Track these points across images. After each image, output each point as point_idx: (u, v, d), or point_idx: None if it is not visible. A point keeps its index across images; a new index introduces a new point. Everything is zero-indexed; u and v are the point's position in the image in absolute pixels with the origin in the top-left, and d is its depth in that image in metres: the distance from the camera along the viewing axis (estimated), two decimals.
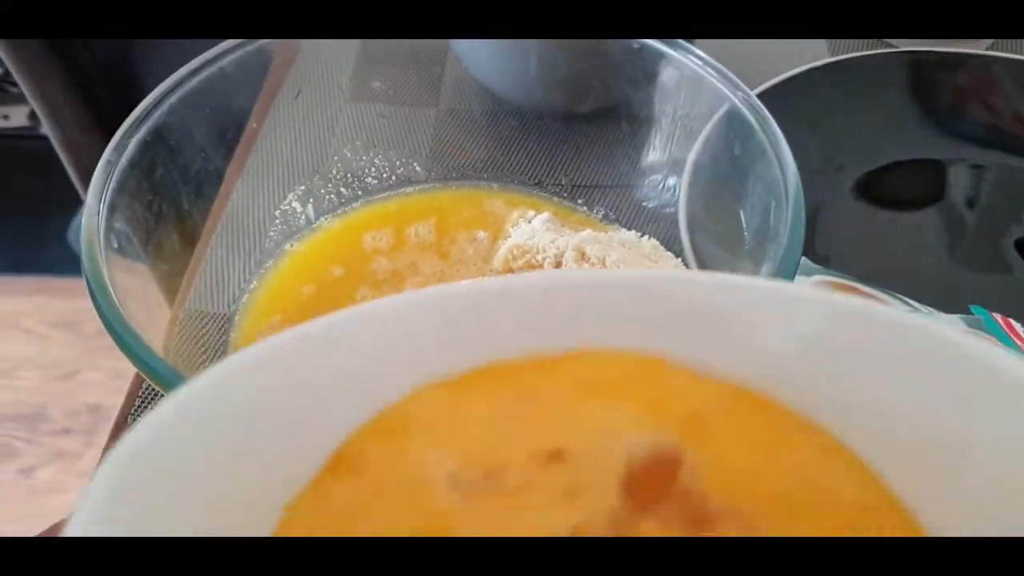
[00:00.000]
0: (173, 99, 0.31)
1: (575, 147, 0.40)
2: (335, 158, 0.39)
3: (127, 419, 0.35)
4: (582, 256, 0.32)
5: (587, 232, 0.34)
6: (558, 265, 0.31)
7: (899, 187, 0.43)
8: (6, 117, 1.17)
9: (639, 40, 0.34)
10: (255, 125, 0.38)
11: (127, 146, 0.29)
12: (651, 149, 0.38)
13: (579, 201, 0.38)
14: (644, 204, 0.38)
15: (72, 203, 0.96)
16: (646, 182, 0.38)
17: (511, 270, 0.33)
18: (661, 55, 0.34)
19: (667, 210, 0.36)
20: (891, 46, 0.49)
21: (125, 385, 0.37)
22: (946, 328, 0.15)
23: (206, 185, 0.34)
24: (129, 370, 0.25)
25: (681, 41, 0.34)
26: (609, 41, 0.35)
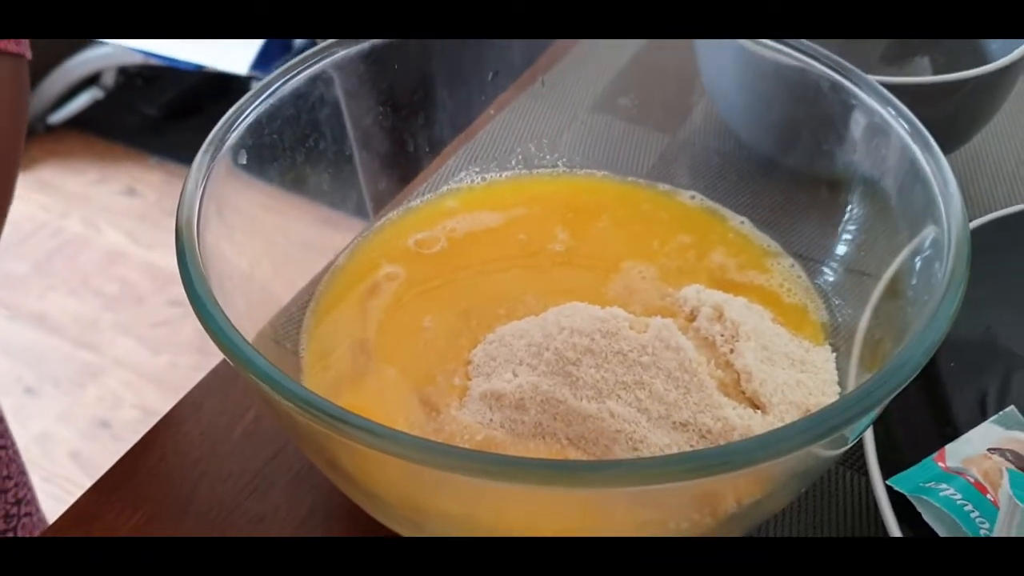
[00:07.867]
0: None
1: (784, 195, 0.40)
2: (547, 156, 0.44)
3: None
4: (719, 317, 0.33)
5: (737, 299, 0.35)
6: (692, 317, 0.33)
7: None
8: None
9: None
10: (492, 112, 0.44)
11: None
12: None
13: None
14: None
15: None
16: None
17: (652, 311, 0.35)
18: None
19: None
20: None
21: None
22: None
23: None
24: None
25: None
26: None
